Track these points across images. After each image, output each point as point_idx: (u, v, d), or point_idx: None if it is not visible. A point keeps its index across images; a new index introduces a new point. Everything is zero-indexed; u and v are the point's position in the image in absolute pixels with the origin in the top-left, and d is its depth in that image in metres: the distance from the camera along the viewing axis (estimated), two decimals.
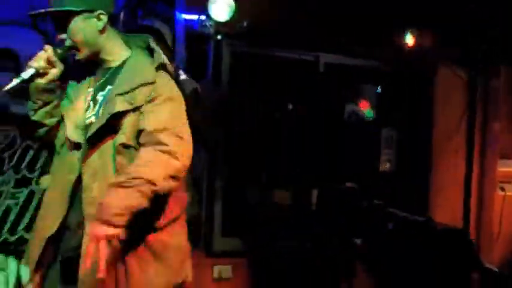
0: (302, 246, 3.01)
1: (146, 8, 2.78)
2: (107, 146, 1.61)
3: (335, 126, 3.36)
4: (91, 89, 1.71)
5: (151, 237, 1.63)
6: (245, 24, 3.00)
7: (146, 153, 1.57)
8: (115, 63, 1.71)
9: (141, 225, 1.57)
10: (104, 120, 1.60)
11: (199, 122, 2.54)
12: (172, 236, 1.68)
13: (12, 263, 2.12)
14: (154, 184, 1.52)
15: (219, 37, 2.99)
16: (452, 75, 3.55)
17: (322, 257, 2.93)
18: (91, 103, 1.69)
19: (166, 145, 1.56)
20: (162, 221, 1.65)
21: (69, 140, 1.66)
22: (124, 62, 1.70)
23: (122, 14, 2.70)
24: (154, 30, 2.35)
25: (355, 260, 2.76)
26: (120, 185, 1.51)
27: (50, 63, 1.64)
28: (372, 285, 2.69)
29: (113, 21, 2.65)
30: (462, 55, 3.44)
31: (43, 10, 1.65)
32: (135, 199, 1.50)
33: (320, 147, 3.25)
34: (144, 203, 1.51)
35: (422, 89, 3.56)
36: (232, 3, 2.88)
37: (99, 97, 1.68)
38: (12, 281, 2.09)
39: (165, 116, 1.60)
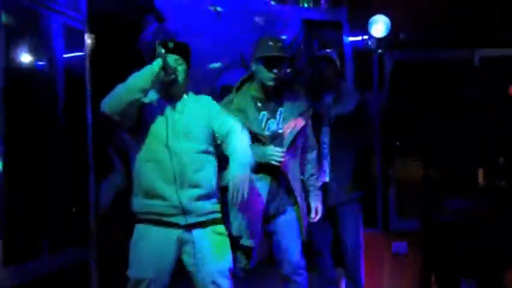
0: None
1: (320, 38, 3.52)
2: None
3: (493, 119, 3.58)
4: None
5: None
6: (401, 36, 3.53)
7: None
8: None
9: None
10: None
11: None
12: None
13: None
14: None
15: (379, 51, 3.57)
16: None
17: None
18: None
19: None
20: None
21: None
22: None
23: (302, 47, 3.48)
24: (327, 57, 2.99)
25: None
26: None
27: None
28: None
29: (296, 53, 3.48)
30: None
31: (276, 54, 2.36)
32: None
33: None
34: None
35: None
36: (388, 21, 3.44)
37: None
38: None
39: None
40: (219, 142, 2.14)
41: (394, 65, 3.64)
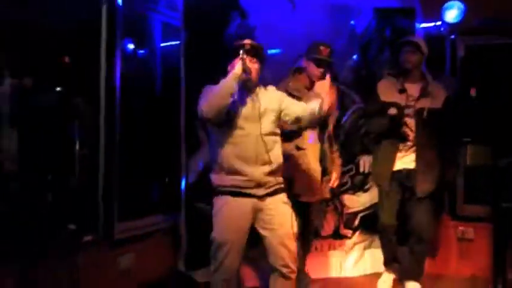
0: None
1: (392, 26, 3.63)
2: None
3: None
4: None
5: None
6: (475, 22, 3.54)
7: None
8: None
9: None
10: None
11: None
12: None
13: None
14: None
15: (452, 36, 3.61)
16: None
17: None
18: None
19: None
20: None
21: None
22: None
23: (374, 36, 3.61)
24: (413, 43, 3.04)
25: None
26: None
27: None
28: None
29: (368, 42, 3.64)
30: None
31: None
32: None
33: None
34: None
35: None
36: (462, 6, 3.47)
37: None
38: None
39: None
40: (287, 118, 2.56)
41: (467, 50, 3.65)
